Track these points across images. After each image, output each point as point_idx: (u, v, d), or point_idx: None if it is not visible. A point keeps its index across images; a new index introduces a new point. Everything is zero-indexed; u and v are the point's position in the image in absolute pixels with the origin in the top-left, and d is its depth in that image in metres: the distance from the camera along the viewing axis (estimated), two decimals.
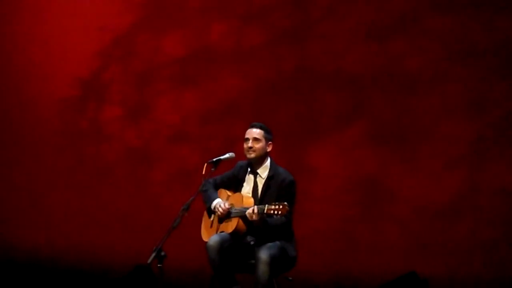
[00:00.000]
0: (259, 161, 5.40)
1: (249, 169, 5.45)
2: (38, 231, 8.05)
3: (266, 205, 5.05)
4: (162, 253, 4.77)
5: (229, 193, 5.48)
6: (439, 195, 7.01)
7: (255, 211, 5.09)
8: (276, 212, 4.99)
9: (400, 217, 7.11)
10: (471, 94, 6.97)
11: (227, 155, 5.40)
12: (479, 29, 6.94)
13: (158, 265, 4.80)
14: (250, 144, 5.36)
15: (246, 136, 5.39)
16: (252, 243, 5.31)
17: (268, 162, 5.42)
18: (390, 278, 6.17)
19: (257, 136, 5.36)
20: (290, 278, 5.44)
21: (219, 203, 5.36)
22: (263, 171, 5.40)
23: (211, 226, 5.46)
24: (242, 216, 5.21)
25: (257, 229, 5.22)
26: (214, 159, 5.32)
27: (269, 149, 5.41)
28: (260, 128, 5.39)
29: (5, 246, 8.08)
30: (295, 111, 7.46)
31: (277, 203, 5.03)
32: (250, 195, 5.37)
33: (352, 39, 7.30)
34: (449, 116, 7.02)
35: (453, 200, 6.98)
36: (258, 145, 5.36)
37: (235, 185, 5.50)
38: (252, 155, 5.36)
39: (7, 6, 8.43)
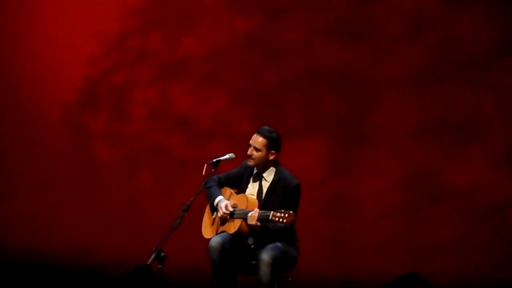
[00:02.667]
0: (262, 166, 5.37)
1: (255, 171, 5.43)
2: (38, 231, 8.05)
3: (272, 212, 5.03)
4: (162, 254, 4.77)
5: (232, 191, 5.47)
6: (440, 195, 7.02)
7: (256, 215, 5.07)
8: (281, 220, 4.97)
9: (401, 217, 7.11)
10: None
11: (227, 156, 5.38)
12: None
13: (158, 266, 4.80)
14: (249, 152, 5.32)
15: (250, 142, 5.33)
16: (252, 246, 5.29)
17: (274, 166, 5.39)
18: (390, 278, 6.16)
19: (257, 146, 5.30)
20: (290, 278, 5.44)
21: (222, 201, 5.35)
22: (269, 174, 5.37)
23: (213, 223, 5.44)
24: (245, 218, 5.21)
25: (258, 232, 5.21)
26: (214, 160, 5.31)
27: (271, 157, 5.33)
28: (264, 136, 5.29)
29: (4, 246, 8.07)
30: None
31: (283, 210, 5.00)
32: (255, 197, 5.35)
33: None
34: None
35: (452, 201, 6.98)
36: (256, 154, 5.31)
37: (240, 184, 5.47)
38: (251, 163, 5.34)
39: (11, 8, 8.42)
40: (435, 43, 7.12)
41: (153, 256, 4.76)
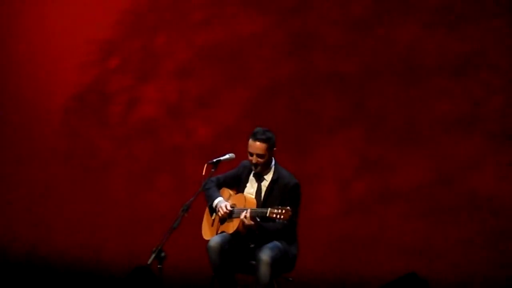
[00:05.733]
0: (265, 168, 5.37)
1: (253, 171, 5.42)
2: (38, 231, 8.05)
3: (269, 209, 5.04)
4: (162, 254, 4.77)
5: (231, 192, 5.47)
6: (439, 194, 7.01)
7: (247, 215, 5.08)
8: (278, 216, 4.98)
9: (401, 217, 7.10)
10: None
11: (227, 156, 5.38)
12: None
13: (158, 266, 4.80)
14: (254, 160, 5.29)
15: (250, 150, 5.30)
16: (252, 246, 5.29)
17: (272, 164, 5.39)
18: (390, 278, 6.16)
19: (261, 152, 5.27)
20: (291, 279, 5.44)
21: (221, 202, 5.35)
22: (267, 174, 5.38)
23: (212, 225, 5.45)
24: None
25: (256, 232, 5.21)
26: (214, 160, 5.31)
27: (272, 156, 5.36)
28: (263, 141, 5.26)
29: (4, 246, 8.08)
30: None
31: (280, 207, 5.01)
32: (253, 196, 5.36)
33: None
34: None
35: (453, 200, 6.98)
36: (262, 161, 5.29)
37: (238, 185, 5.48)
38: (258, 169, 5.31)
39: (11, 11, 8.43)
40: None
41: (153, 256, 4.76)
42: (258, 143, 5.28)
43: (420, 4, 7.17)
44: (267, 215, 5.03)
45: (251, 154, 5.30)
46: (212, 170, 5.27)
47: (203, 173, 5.23)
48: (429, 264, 6.81)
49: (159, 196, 7.81)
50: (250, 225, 5.13)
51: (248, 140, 5.34)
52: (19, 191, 8.26)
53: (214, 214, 5.43)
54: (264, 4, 7.65)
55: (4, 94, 8.41)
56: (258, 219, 5.11)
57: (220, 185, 5.51)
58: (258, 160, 5.28)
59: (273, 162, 5.39)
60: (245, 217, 5.10)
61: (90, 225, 7.93)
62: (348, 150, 7.30)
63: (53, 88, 8.27)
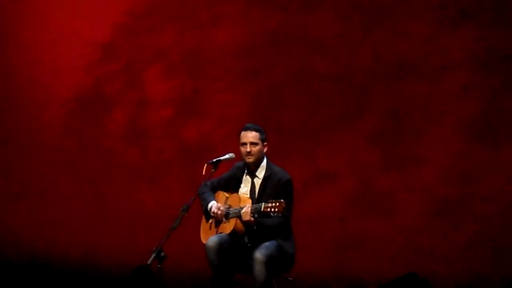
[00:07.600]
0: (257, 161, 5.41)
1: (246, 170, 5.46)
2: (38, 231, 8.06)
3: (263, 204, 5.08)
4: (162, 254, 4.79)
5: (226, 194, 5.50)
6: (440, 194, 7.01)
7: (249, 210, 5.10)
8: (272, 209, 5.02)
9: (401, 217, 7.11)
10: None
11: (227, 156, 5.41)
12: None
13: (158, 266, 4.82)
14: (248, 149, 5.35)
15: (243, 140, 5.37)
16: (249, 245, 5.30)
17: (264, 162, 5.43)
18: (390, 278, 6.16)
19: (253, 140, 5.36)
20: (290, 278, 5.45)
21: (215, 205, 5.37)
22: (260, 171, 5.41)
23: (210, 228, 5.47)
24: (240, 217, 5.23)
25: (254, 230, 5.22)
26: (214, 160, 5.34)
27: (265, 150, 5.42)
28: (255, 130, 5.38)
29: (5, 246, 8.09)
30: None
31: (273, 200, 5.05)
32: (248, 195, 5.38)
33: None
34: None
35: (454, 200, 6.98)
36: (255, 149, 5.36)
37: (233, 186, 5.51)
38: (251, 159, 5.37)
39: (13, 10, 8.44)
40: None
41: (153, 256, 4.78)
42: (250, 133, 5.38)
43: (421, 3, 7.18)
44: (262, 209, 5.06)
45: (244, 144, 5.37)
46: (212, 170, 5.30)
47: (203, 173, 5.25)
48: (429, 264, 6.81)
49: (160, 196, 7.82)
50: (249, 221, 5.14)
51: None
52: (20, 191, 8.27)
53: (210, 219, 5.44)
54: (271, 3, 7.67)
55: (6, 96, 8.43)
56: (257, 215, 5.13)
57: (215, 188, 5.55)
58: (251, 149, 5.35)
59: (265, 160, 5.43)
60: (246, 212, 5.12)
61: (91, 225, 7.95)
62: (351, 151, 7.30)
63: (55, 89, 8.30)
